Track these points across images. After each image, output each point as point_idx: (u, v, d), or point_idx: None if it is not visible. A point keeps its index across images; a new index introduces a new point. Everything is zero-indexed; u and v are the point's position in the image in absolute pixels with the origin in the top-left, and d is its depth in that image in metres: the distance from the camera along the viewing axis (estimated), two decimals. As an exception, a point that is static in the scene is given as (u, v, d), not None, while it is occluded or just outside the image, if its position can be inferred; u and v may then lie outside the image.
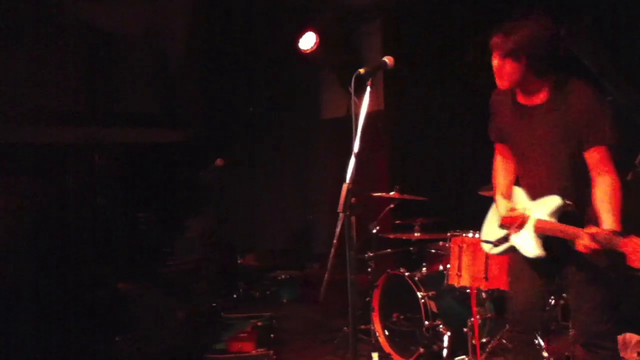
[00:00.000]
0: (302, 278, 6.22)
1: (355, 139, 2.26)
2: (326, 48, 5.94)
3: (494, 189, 2.80)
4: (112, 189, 5.75)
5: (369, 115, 2.30)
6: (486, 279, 3.66)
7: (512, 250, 2.63)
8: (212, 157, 5.10)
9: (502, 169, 2.80)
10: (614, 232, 2.19)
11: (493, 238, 2.72)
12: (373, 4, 6.00)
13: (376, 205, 4.48)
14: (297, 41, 5.75)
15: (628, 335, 3.68)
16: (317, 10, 6.10)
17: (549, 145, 2.48)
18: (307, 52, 5.75)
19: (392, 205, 4.39)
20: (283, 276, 6.26)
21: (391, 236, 4.41)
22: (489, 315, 3.77)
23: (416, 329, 3.87)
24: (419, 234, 4.22)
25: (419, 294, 3.83)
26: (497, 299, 3.78)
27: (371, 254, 4.31)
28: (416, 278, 3.94)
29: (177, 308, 4.88)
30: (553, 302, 3.84)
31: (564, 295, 3.78)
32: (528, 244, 2.50)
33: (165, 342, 4.39)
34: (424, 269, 4.11)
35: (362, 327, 4.29)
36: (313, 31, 5.71)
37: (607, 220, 2.30)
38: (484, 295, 3.74)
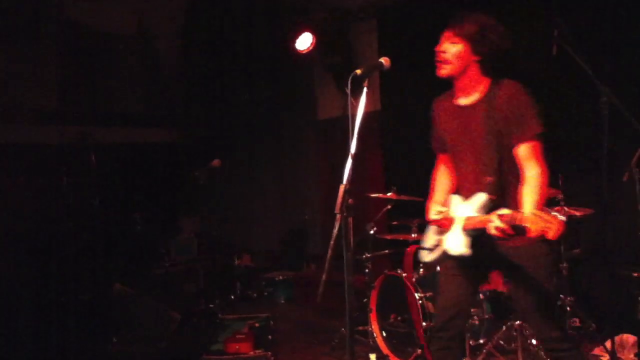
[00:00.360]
0: (298, 279, 6.22)
1: (352, 140, 2.25)
2: (322, 48, 5.94)
3: (429, 195, 2.82)
4: (108, 189, 5.73)
5: (365, 116, 2.30)
6: (483, 279, 3.65)
7: (446, 255, 2.61)
8: (209, 157, 5.09)
9: (441, 177, 2.83)
10: (518, 211, 2.21)
11: (429, 245, 2.74)
12: (369, 4, 6.00)
13: (373, 206, 4.47)
14: (293, 42, 5.74)
15: (625, 336, 3.69)
16: (313, 10, 6.09)
17: (478, 141, 2.52)
18: (304, 52, 5.74)
19: (389, 206, 4.38)
20: (280, 277, 6.25)
21: (388, 237, 4.40)
22: (486, 316, 3.76)
23: (414, 330, 3.86)
24: (415, 235, 4.21)
25: (417, 295, 3.83)
26: (494, 300, 3.77)
27: (368, 255, 4.31)
28: (413, 279, 3.93)
29: (174, 309, 4.87)
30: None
31: (561, 296, 3.79)
32: (456, 242, 2.49)
33: (162, 342, 4.38)
34: (421, 270, 4.10)
35: (360, 328, 4.29)
36: (309, 32, 5.70)
37: (524, 206, 2.30)
38: (481, 296, 3.74)
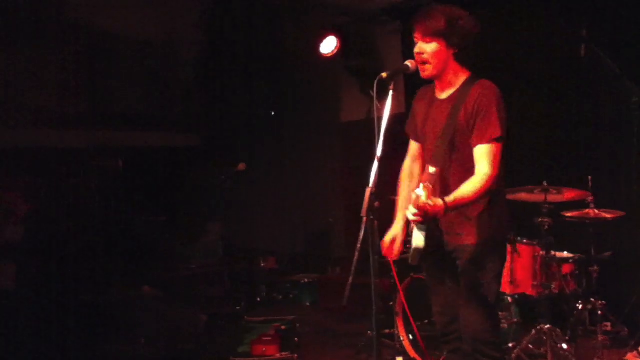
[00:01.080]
0: (324, 282, 6.22)
1: (377, 143, 2.25)
2: (347, 51, 5.95)
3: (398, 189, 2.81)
4: (128, 193, 5.80)
5: (390, 119, 2.30)
6: (512, 282, 3.61)
7: (415, 253, 2.53)
8: (231, 160, 5.13)
9: (404, 175, 2.81)
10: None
11: (408, 244, 2.68)
12: (392, 6, 5.99)
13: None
14: (318, 45, 5.76)
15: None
16: (337, 14, 6.11)
17: (440, 135, 2.51)
18: (328, 55, 5.76)
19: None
20: (305, 280, 6.26)
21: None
22: (514, 320, 3.71)
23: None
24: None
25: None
26: (522, 304, 3.73)
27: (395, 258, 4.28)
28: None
29: (200, 311, 4.91)
30: (580, 306, 3.79)
31: (592, 299, 3.73)
32: (415, 237, 2.44)
33: (188, 344, 4.42)
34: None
35: (387, 331, 4.27)
36: (334, 35, 5.72)
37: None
38: (509, 299, 3.69)
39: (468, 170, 2.42)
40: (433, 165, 2.43)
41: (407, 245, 2.70)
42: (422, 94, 2.74)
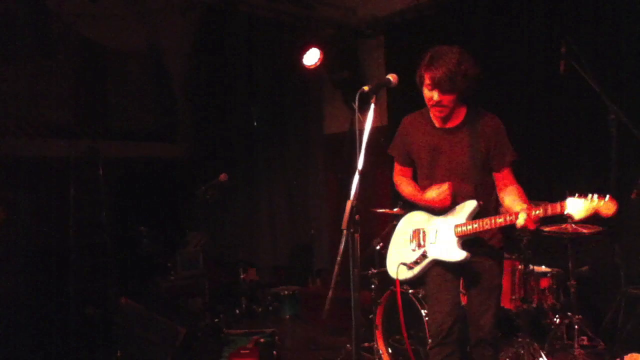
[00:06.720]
0: (304, 294, 6.19)
1: (359, 156, 2.26)
2: (330, 64, 5.97)
3: (409, 196, 2.95)
4: (115, 203, 5.76)
5: (372, 132, 2.31)
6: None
7: (430, 266, 2.78)
8: (216, 171, 5.10)
9: (405, 182, 3.00)
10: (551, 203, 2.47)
11: (408, 262, 2.83)
12: (376, 20, 6.05)
13: (379, 221, 4.46)
14: (301, 57, 5.77)
15: (634, 355, 3.64)
16: (321, 26, 6.14)
17: (464, 162, 2.74)
18: (311, 67, 5.77)
19: (395, 222, 4.36)
20: (286, 292, 6.23)
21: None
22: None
23: (420, 347, 3.83)
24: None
25: (423, 312, 3.80)
26: (502, 317, 3.74)
27: (374, 271, 4.29)
28: (420, 295, 3.91)
29: (179, 323, 4.85)
30: (558, 320, 3.82)
31: (569, 314, 3.76)
32: (451, 251, 2.69)
33: (167, 357, 4.36)
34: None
35: (366, 344, 4.26)
36: (317, 47, 5.74)
37: (521, 204, 2.59)
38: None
39: (492, 190, 2.79)
40: (470, 192, 2.73)
41: (414, 262, 2.81)
42: (414, 122, 2.89)
